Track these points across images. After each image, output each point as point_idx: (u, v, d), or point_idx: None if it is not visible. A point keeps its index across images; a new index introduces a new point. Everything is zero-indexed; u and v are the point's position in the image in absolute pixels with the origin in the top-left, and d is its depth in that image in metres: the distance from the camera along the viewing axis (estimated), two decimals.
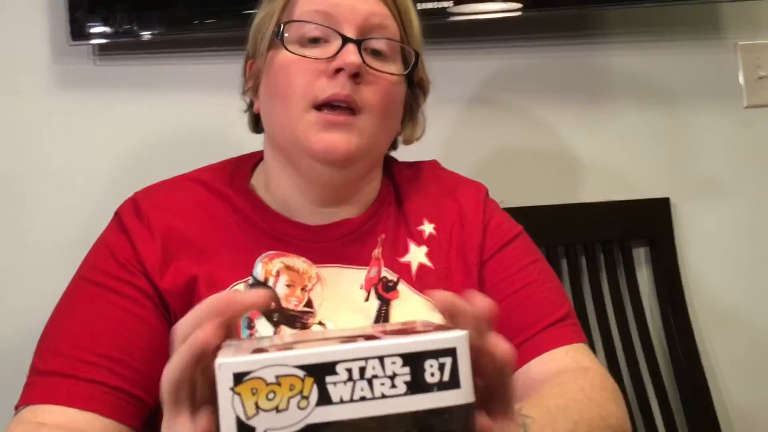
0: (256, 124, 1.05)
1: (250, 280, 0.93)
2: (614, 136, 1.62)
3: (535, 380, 0.93)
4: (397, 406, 0.49)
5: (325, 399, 0.48)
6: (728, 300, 1.64)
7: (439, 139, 1.54)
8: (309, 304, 0.93)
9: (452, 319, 0.58)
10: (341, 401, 0.49)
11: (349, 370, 0.49)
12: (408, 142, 1.06)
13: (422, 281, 0.97)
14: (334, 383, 0.48)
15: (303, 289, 0.94)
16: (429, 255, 1.00)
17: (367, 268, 0.97)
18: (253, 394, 0.48)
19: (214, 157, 1.08)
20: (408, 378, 0.49)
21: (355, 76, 0.91)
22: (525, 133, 1.59)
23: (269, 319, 0.91)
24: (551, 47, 1.60)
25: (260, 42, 0.98)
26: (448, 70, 1.55)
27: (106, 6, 1.36)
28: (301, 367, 0.48)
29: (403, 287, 0.96)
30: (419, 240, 1.01)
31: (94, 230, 0.99)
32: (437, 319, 0.91)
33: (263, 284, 0.93)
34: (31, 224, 1.39)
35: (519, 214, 1.11)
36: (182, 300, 0.91)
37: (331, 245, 0.98)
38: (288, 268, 0.94)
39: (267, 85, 0.97)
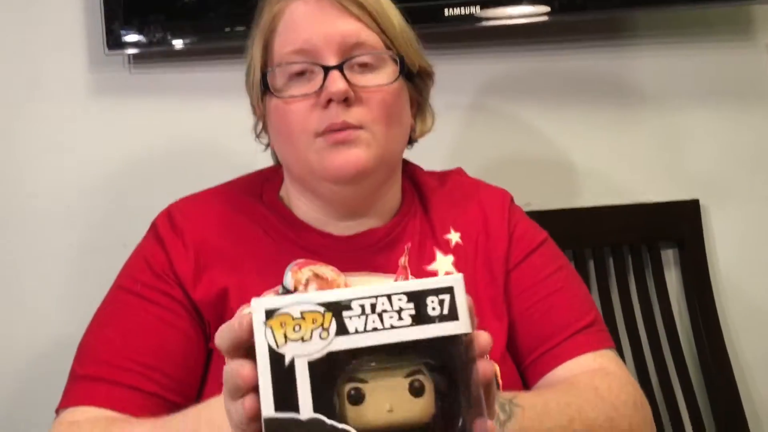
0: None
1: (280, 290, 1.01)
2: (643, 138, 1.69)
3: (557, 383, 1.00)
4: (403, 335, 0.62)
5: (342, 330, 0.61)
6: (758, 303, 1.70)
7: (456, 141, 1.62)
8: None
9: None
10: (356, 332, 0.61)
11: (362, 306, 0.62)
12: (419, 136, 1.11)
13: None
14: (350, 317, 0.61)
15: None
16: (455, 264, 1.06)
17: (395, 276, 1.02)
18: (282, 326, 0.61)
19: (247, 165, 1.18)
20: (413, 312, 0.62)
21: (346, 101, 0.97)
22: (550, 136, 1.67)
23: None
24: (578, 50, 1.67)
25: (253, 92, 1.07)
26: (472, 73, 1.64)
27: (140, 17, 1.48)
28: (322, 304, 0.62)
29: None
30: (446, 249, 1.08)
31: (131, 236, 1.09)
32: None
33: (293, 293, 1.00)
34: (69, 231, 1.51)
35: (545, 217, 1.18)
36: (214, 310, 1.01)
37: (358, 254, 1.05)
38: (317, 276, 1.01)
39: (271, 128, 1.06)
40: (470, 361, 0.63)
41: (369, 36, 1.01)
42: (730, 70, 1.71)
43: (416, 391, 0.64)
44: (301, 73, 1.00)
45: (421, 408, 0.64)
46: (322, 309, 0.61)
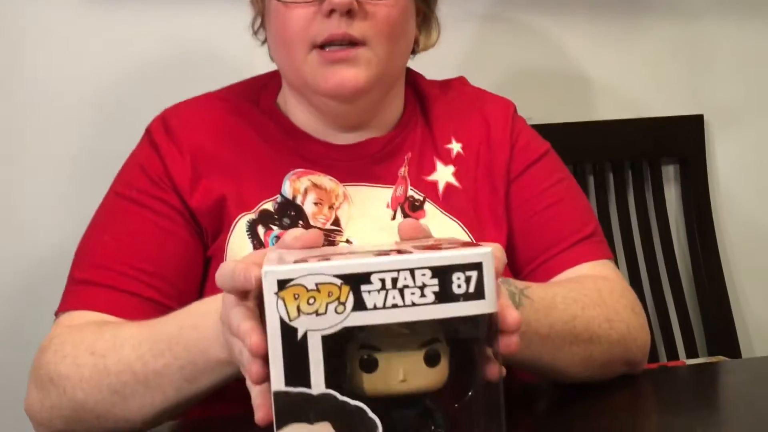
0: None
1: (279, 198, 0.99)
2: (647, 52, 1.65)
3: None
4: (425, 313, 0.57)
5: (360, 305, 0.56)
6: (757, 223, 1.70)
7: (462, 55, 1.58)
8: (336, 222, 1.00)
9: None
10: (375, 308, 0.57)
11: (383, 280, 0.56)
12: (422, 50, 1.09)
13: (449, 201, 1.03)
14: (369, 291, 0.56)
15: (330, 207, 1.00)
16: (456, 175, 1.05)
17: (394, 186, 1.03)
18: (295, 299, 0.56)
19: (246, 69, 1.13)
20: (437, 289, 0.57)
21: (349, 12, 0.93)
22: (551, 49, 1.62)
23: None
24: None
25: None
26: None
27: None
28: (339, 276, 0.56)
29: (429, 206, 1.02)
30: (446, 159, 1.06)
31: (127, 144, 1.06)
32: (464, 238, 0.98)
33: (292, 202, 1.00)
34: (65, 139, 1.47)
35: (547, 131, 1.15)
36: (212, 218, 0.99)
37: (357, 164, 1.03)
38: (315, 186, 1.01)
39: (269, 29, 1.02)
40: (491, 338, 0.60)
41: None
42: None
43: (431, 360, 0.61)
44: None
45: (434, 377, 0.62)
46: (339, 281, 0.56)
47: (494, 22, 1.60)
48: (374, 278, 0.57)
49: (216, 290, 0.94)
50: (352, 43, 0.95)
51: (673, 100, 1.65)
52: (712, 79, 1.67)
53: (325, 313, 0.57)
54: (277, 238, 0.98)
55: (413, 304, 0.57)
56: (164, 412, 0.84)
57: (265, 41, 1.08)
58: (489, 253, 0.57)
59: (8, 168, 1.45)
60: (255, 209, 0.99)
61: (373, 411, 0.58)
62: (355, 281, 0.57)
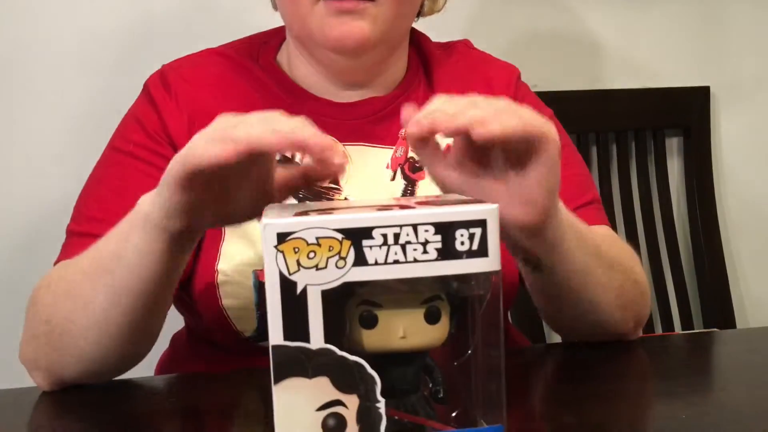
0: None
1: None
2: (655, 21, 1.63)
3: None
4: (427, 270, 0.56)
5: (361, 260, 0.55)
6: (758, 198, 1.69)
7: (468, 18, 1.56)
8: (335, 180, 0.99)
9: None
10: (376, 263, 0.55)
11: (385, 236, 0.55)
12: (428, 14, 1.07)
13: None
14: (370, 247, 0.55)
15: None
16: None
17: (394, 147, 1.02)
18: (295, 252, 0.55)
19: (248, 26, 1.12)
20: (439, 245, 0.56)
21: None
22: (558, 15, 1.60)
23: (295, 195, 0.97)
24: None
25: None
26: None
27: None
28: (340, 231, 0.55)
29: None
30: None
31: (128, 99, 1.05)
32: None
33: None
34: (67, 95, 1.46)
35: (551, 98, 1.14)
36: None
37: (357, 123, 1.02)
38: None
39: None
40: (493, 297, 0.58)
41: None
42: None
43: (432, 317, 0.60)
44: None
45: (434, 334, 0.61)
46: (340, 236, 0.55)
47: None
48: (376, 233, 0.55)
49: (210, 239, 0.95)
50: None
51: (680, 71, 1.64)
52: (721, 50, 1.65)
53: (326, 267, 0.55)
54: None
55: (415, 261, 0.56)
56: (123, 312, 0.80)
57: None
58: (494, 210, 0.56)
59: (8, 125, 1.45)
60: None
61: (372, 367, 0.57)
62: (357, 236, 0.55)
